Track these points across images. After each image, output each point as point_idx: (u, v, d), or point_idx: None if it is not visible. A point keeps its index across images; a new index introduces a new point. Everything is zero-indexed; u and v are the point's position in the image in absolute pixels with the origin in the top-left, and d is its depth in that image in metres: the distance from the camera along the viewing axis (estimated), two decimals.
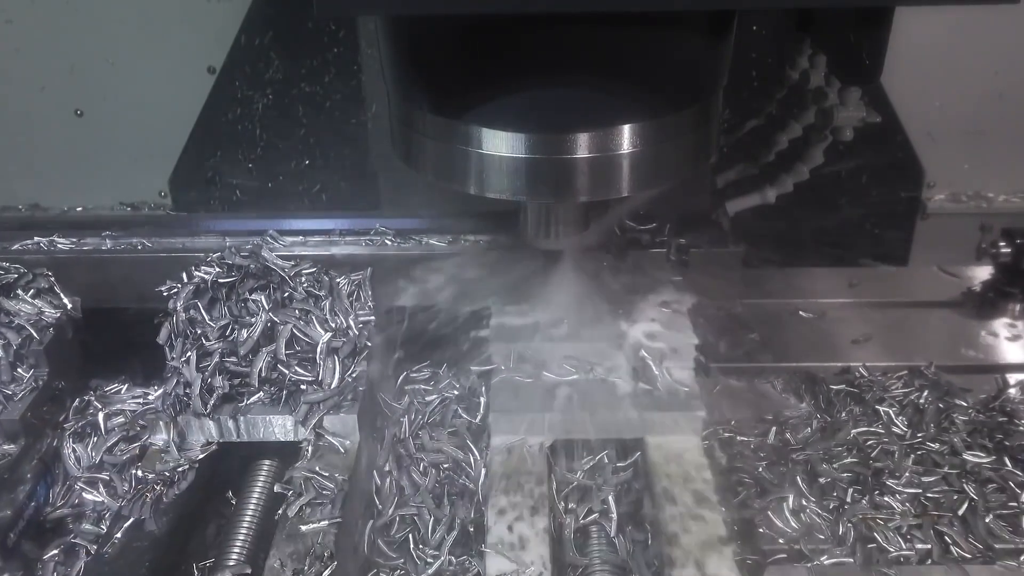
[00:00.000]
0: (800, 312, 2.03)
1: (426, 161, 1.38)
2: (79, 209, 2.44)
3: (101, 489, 1.60)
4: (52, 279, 1.77)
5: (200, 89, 2.27)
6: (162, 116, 2.30)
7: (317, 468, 1.49)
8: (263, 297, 1.63)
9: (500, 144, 1.28)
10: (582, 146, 1.27)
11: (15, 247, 1.87)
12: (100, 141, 2.40)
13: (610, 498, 1.52)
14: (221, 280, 1.62)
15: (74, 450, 1.65)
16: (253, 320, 1.60)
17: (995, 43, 2.25)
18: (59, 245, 1.87)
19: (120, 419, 1.69)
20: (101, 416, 1.68)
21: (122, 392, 1.75)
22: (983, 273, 2.10)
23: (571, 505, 1.53)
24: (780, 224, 2.20)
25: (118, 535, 1.47)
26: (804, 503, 1.57)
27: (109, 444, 1.64)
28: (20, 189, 2.43)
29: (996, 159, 2.44)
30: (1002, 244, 2.02)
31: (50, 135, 2.39)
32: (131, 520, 1.49)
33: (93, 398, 1.74)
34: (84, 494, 1.61)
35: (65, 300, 1.75)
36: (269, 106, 2.27)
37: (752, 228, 2.00)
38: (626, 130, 1.28)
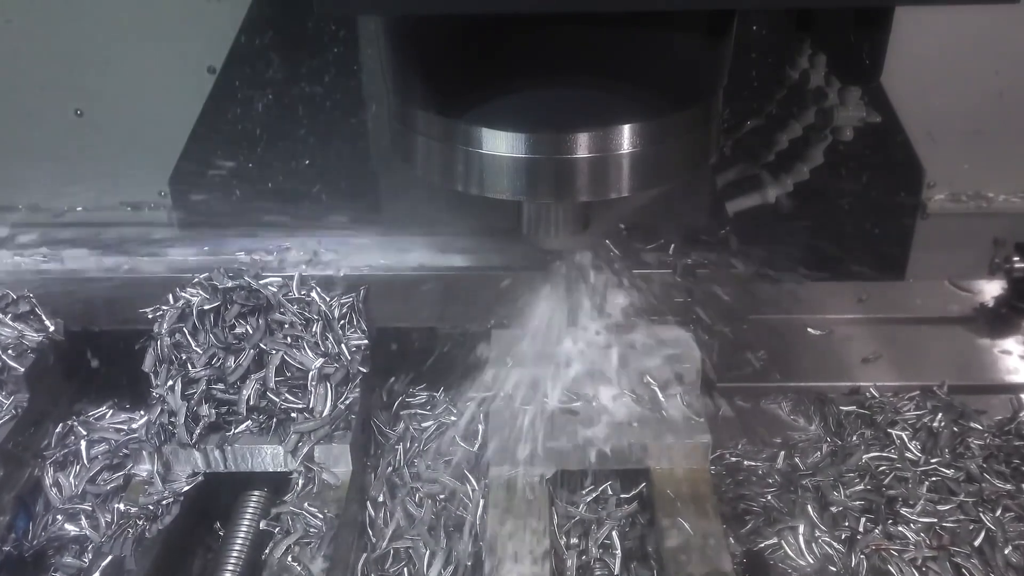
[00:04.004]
0: (808, 329, 1.98)
1: (425, 161, 1.36)
2: (79, 209, 2.42)
3: (83, 521, 1.54)
4: (34, 301, 1.70)
5: (200, 89, 2.24)
6: (162, 116, 2.28)
7: (306, 504, 1.43)
8: (251, 321, 1.57)
9: (499, 144, 1.26)
10: (582, 146, 1.25)
11: None
12: (100, 141, 2.39)
13: (614, 533, 1.46)
14: (208, 304, 1.56)
15: (56, 480, 1.60)
16: (241, 345, 1.53)
17: (995, 43, 2.23)
18: (42, 265, 1.81)
19: (103, 447, 1.63)
20: (84, 444, 1.62)
21: (106, 418, 1.69)
22: (995, 288, 2.04)
23: (573, 540, 1.48)
24: (779, 225, 2.17)
25: (96, 574, 1.41)
26: (815, 533, 1.52)
27: (92, 474, 1.59)
28: (20, 189, 2.40)
29: (996, 159, 2.42)
30: (1016, 259, 1.97)
31: (50, 135, 2.37)
32: (111, 557, 1.42)
33: (76, 423, 1.68)
34: (66, 525, 1.55)
35: (47, 323, 1.69)
36: (269, 106, 2.24)
37: (751, 228, 1.95)
38: (626, 130, 1.26)
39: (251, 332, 1.57)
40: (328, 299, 1.63)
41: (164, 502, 1.48)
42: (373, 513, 1.55)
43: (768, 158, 2.16)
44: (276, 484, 1.56)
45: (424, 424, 1.68)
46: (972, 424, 1.71)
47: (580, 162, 1.26)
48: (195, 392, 1.52)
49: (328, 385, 1.53)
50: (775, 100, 2.17)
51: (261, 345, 1.54)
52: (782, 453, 1.69)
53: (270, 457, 1.52)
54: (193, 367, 1.53)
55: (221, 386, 1.53)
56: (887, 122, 2.19)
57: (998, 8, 1.15)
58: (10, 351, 1.62)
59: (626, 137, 1.27)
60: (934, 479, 1.61)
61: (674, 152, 1.32)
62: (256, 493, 1.58)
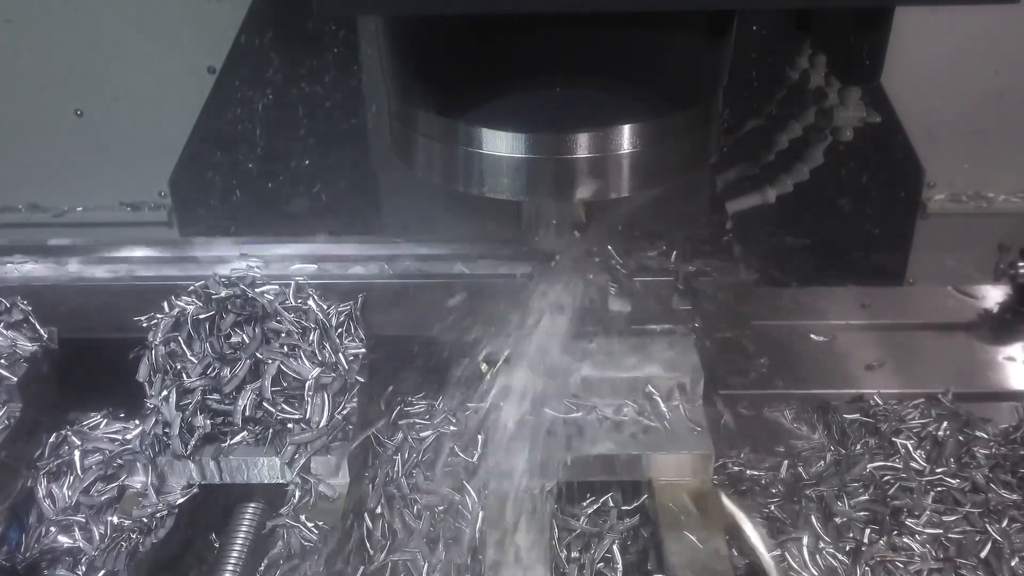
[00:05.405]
0: (811, 335, 1.96)
1: (425, 161, 1.37)
2: (79, 209, 2.41)
3: (77, 533, 1.52)
4: (28, 309, 1.68)
5: (200, 89, 2.23)
6: (162, 116, 2.30)
7: (303, 516, 1.41)
8: (247, 330, 1.55)
9: (500, 144, 1.27)
10: (582, 146, 1.26)
11: None
12: (100, 141, 2.41)
13: (615, 546, 1.44)
14: (203, 313, 1.53)
15: (49, 491, 1.57)
16: (237, 355, 1.51)
17: (995, 43, 2.25)
18: (34, 271, 1.79)
19: (97, 457, 1.61)
20: (77, 454, 1.60)
21: (100, 428, 1.67)
22: (1000, 294, 2.02)
23: (574, 554, 1.46)
24: (779, 227, 2.17)
25: None
26: (819, 544, 1.50)
27: (85, 485, 1.56)
28: (20, 189, 2.42)
29: (996, 159, 2.44)
30: (1021, 264, 1.95)
31: (50, 135, 2.38)
32: (104, 572, 1.40)
33: (70, 433, 1.65)
34: (59, 537, 1.53)
35: (41, 331, 1.66)
36: (269, 106, 2.24)
37: (750, 231, 1.94)
38: (626, 130, 1.27)
39: (247, 341, 1.54)
40: (325, 307, 1.61)
41: (158, 514, 1.46)
42: (371, 525, 1.53)
43: (768, 158, 2.16)
44: (272, 496, 1.53)
45: (423, 434, 1.66)
46: (977, 433, 1.69)
47: (580, 162, 1.27)
48: (190, 402, 1.50)
49: (325, 395, 1.51)
50: (775, 100, 2.17)
51: (257, 354, 1.52)
52: (785, 462, 1.67)
53: (266, 468, 1.50)
54: (188, 377, 1.51)
55: (216, 396, 1.51)
56: (887, 122, 2.19)
57: (998, 8, 1.17)
58: (3, 360, 1.60)
59: (626, 137, 1.27)
60: (939, 489, 1.58)
61: (674, 152, 1.33)
62: (252, 505, 1.55)
